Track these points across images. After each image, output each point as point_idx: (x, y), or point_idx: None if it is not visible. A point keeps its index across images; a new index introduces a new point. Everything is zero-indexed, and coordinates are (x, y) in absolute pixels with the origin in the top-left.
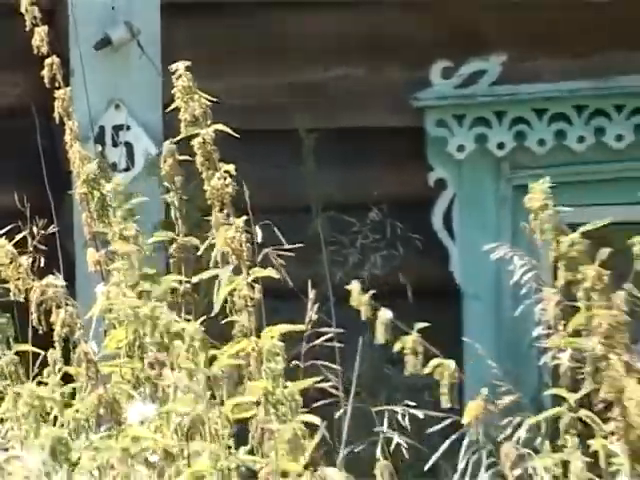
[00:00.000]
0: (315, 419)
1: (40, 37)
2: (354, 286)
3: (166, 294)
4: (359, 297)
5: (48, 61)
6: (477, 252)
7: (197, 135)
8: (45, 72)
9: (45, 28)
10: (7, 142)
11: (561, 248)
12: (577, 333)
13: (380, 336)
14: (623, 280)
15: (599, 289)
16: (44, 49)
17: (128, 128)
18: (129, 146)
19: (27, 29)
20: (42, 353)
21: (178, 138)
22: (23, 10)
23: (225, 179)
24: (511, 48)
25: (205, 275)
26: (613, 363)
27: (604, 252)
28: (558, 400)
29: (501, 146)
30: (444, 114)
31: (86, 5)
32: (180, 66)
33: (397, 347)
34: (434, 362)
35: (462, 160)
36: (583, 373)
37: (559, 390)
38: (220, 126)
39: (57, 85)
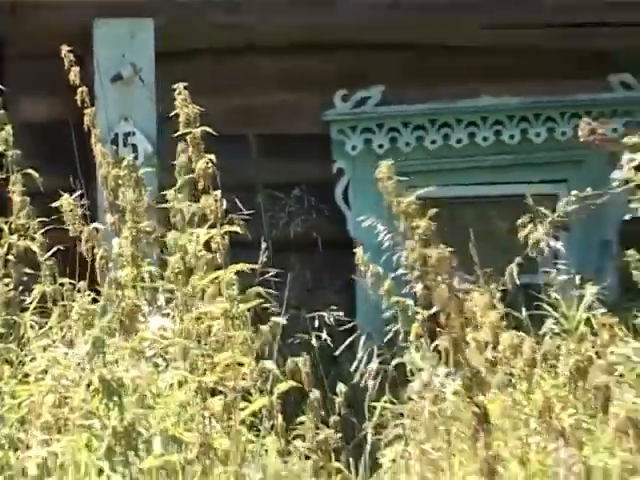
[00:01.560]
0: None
1: (74, 74)
2: (359, 250)
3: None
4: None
5: (79, 90)
6: (366, 223)
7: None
8: (78, 97)
9: (77, 68)
10: (56, 145)
11: (400, 206)
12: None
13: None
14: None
15: (429, 235)
16: (77, 82)
17: (133, 134)
18: (134, 146)
19: (65, 68)
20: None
21: (178, 133)
22: (63, 55)
23: (207, 163)
24: (387, 81)
25: (198, 231)
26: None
27: (432, 211)
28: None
29: (381, 146)
30: (343, 125)
31: (105, 52)
32: (180, 85)
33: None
34: None
35: (355, 156)
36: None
37: (417, 308)
38: (205, 128)
39: (86, 106)
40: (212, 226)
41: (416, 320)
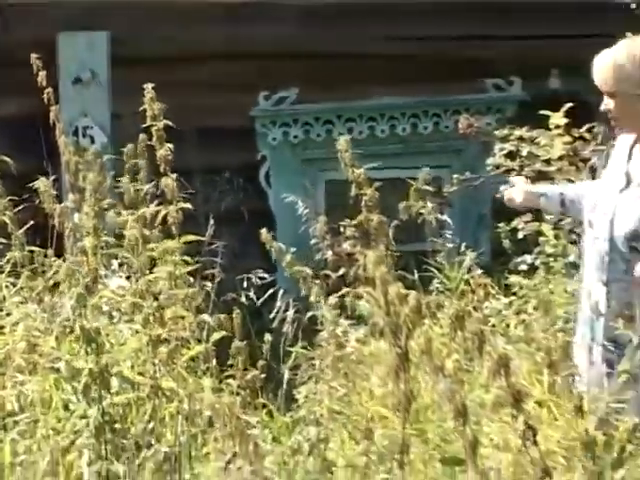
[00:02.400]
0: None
1: (41, 77)
2: (264, 233)
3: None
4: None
5: (46, 90)
6: (285, 200)
7: (154, 125)
8: (45, 96)
9: (44, 72)
10: (28, 136)
11: (352, 175)
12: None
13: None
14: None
15: (373, 203)
16: (44, 83)
17: (91, 128)
18: (92, 138)
19: (34, 73)
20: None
21: (145, 125)
22: (32, 62)
23: (167, 151)
24: (301, 84)
25: (154, 209)
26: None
27: (377, 184)
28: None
29: (296, 137)
30: (265, 120)
31: (67, 59)
32: (149, 86)
33: None
34: None
35: (275, 145)
36: (340, 263)
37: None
38: (167, 122)
39: (51, 104)
40: (169, 203)
41: (314, 285)
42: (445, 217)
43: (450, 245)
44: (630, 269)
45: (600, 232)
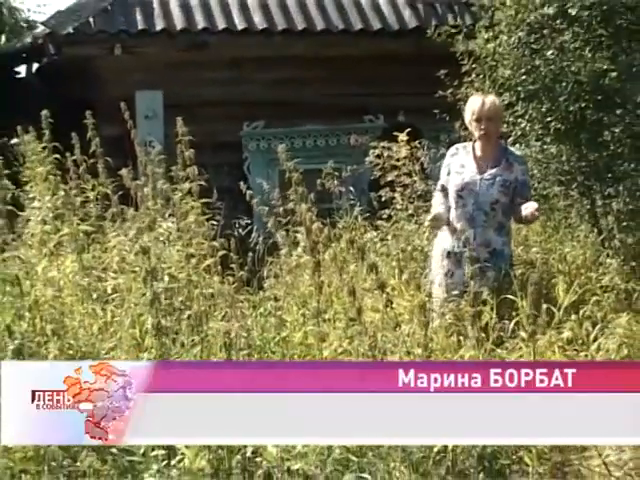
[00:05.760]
0: None
1: (126, 115)
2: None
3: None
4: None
5: (129, 122)
6: (257, 181)
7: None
8: (128, 125)
9: (128, 112)
10: (120, 146)
11: (285, 166)
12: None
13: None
14: None
15: (298, 181)
16: (127, 118)
17: (153, 141)
18: (153, 147)
19: (122, 112)
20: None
21: (178, 139)
22: (121, 106)
23: (190, 154)
24: (266, 118)
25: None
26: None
27: (301, 170)
28: None
29: (264, 147)
30: (247, 137)
31: (141, 105)
32: (179, 119)
33: None
34: None
35: (252, 151)
36: (287, 214)
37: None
38: (191, 137)
39: (132, 129)
40: (192, 181)
41: (277, 222)
42: (344, 189)
43: (346, 205)
44: (488, 219)
45: (468, 200)
